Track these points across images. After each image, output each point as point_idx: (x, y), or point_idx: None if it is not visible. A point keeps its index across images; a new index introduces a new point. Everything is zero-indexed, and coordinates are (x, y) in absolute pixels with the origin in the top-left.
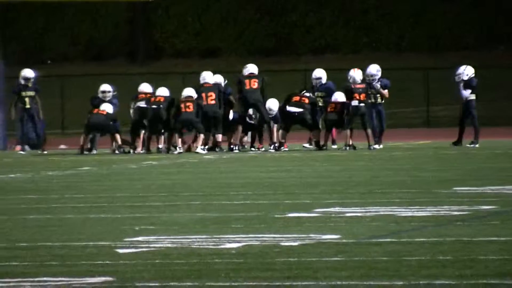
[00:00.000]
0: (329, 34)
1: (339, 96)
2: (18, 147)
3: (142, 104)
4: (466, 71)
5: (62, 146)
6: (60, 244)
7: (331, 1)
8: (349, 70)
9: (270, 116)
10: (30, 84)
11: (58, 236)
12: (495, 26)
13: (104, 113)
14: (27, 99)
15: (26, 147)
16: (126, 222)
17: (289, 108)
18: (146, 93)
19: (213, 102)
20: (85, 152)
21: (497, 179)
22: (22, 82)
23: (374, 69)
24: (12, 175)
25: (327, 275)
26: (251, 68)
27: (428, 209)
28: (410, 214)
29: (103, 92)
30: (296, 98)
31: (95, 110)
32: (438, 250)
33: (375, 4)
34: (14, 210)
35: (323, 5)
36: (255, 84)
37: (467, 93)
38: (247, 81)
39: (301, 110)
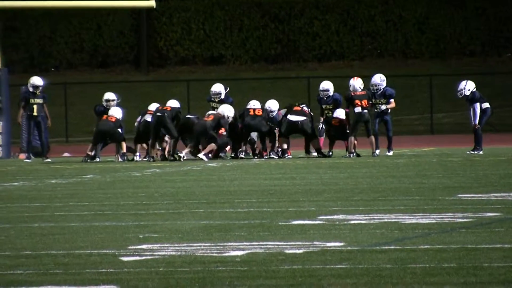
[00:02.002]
0: (334, 41)
1: (341, 113)
2: (22, 155)
3: (148, 118)
4: (468, 87)
5: (66, 154)
6: (64, 252)
7: (336, 8)
8: (352, 77)
9: (270, 116)
10: (38, 92)
11: (62, 244)
12: (500, 33)
13: (113, 120)
14: (35, 107)
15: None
16: (130, 230)
17: (290, 117)
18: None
19: (224, 133)
20: (88, 160)
21: (501, 186)
22: (31, 89)
23: (379, 79)
24: (16, 183)
25: (331, 283)
26: (255, 104)
27: (432, 216)
28: (414, 221)
29: (107, 100)
30: (297, 108)
31: (104, 117)
32: (443, 258)
33: (380, 11)
34: (18, 218)
35: (328, 12)
36: (259, 112)
37: (477, 111)
38: (251, 109)
39: (304, 118)
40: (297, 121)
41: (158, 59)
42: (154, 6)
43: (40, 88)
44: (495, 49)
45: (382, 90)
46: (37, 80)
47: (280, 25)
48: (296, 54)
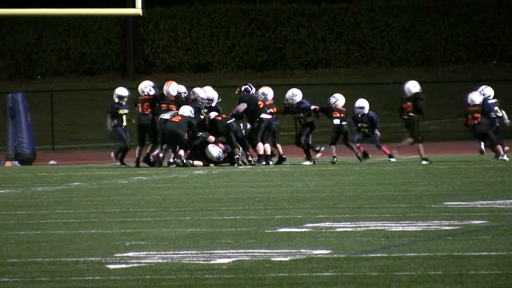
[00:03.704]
0: (321, 49)
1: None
2: (8, 163)
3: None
4: (485, 91)
5: (52, 162)
6: (50, 260)
7: (322, 16)
8: (341, 84)
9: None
10: (123, 102)
11: (48, 252)
12: (486, 40)
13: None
14: (124, 117)
15: (16, 162)
16: (117, 237)
17: (264, 116)
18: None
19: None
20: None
21: (487, 193)
22: (117, 100)
23: (363, 102)
24: (2, 191)
25: None
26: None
27: (418, 224)
28: (400, 229)
29: (121, 96)
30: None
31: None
32: (429, 265)
33: (366, 19)
34: (4, 226)
35: (315, 20)
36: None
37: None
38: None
39: (271, 116)
40: (268, 119)
41: (145, 66)
42: (141, 13)
43: (125, 99)
44: (481, 57)
45: (363, 113)
46: (122, 91)
47: (267, 32)
48: (282, 62)
